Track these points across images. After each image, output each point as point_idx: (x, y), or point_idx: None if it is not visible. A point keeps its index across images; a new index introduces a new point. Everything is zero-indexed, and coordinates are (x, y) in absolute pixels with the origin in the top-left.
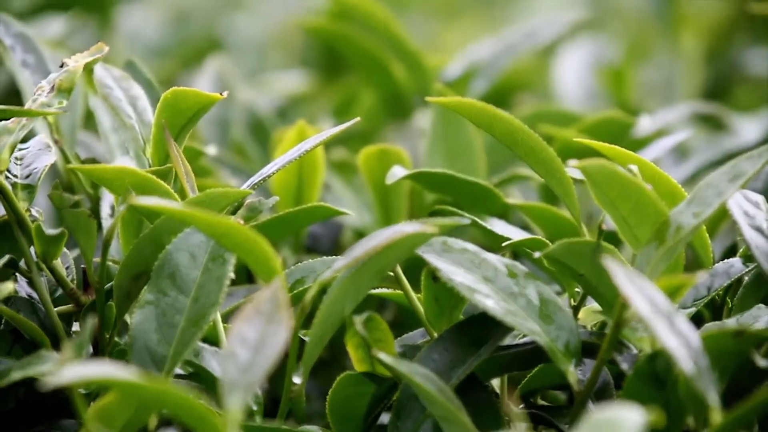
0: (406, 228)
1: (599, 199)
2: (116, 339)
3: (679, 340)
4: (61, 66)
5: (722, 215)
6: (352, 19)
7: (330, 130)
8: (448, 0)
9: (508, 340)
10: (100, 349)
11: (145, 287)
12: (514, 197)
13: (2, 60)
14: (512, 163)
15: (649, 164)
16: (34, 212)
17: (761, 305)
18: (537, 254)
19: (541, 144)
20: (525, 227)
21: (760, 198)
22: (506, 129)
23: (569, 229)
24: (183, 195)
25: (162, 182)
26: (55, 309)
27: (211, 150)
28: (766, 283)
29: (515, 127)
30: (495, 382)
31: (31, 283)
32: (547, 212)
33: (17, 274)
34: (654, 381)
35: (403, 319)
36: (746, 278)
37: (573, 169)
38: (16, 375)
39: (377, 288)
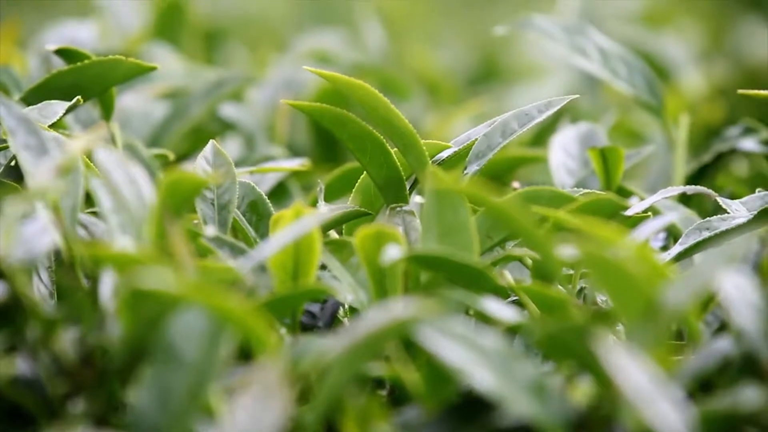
0: (400, 312)
1: (591, 278)
2: (116, 417)
3: (669, 420)
4: (62, 148)
5: (713, 294)
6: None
7: (326, 211)
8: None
9: (502, 417)
10: (101, 427)
11: (145, 365)
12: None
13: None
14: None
15: (640, 245)
16: (33, 292)
17: (750, 384)
18: (532, 334)
19: (533, 223)
20: (520, 303)
21: (749, 277)
22: (499, 208)
23: (562, 307)
24: (182, 275)
25: (161, 262)
26: (55, 387)
27: (209, 230)
28: (755, 361)
29: (507, 207)
30: None
31: (31, 362)
32: (539, 292)
33: (18, 353)
34: None
35: (399, 394)
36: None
37: (565, 248)
38: None
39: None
